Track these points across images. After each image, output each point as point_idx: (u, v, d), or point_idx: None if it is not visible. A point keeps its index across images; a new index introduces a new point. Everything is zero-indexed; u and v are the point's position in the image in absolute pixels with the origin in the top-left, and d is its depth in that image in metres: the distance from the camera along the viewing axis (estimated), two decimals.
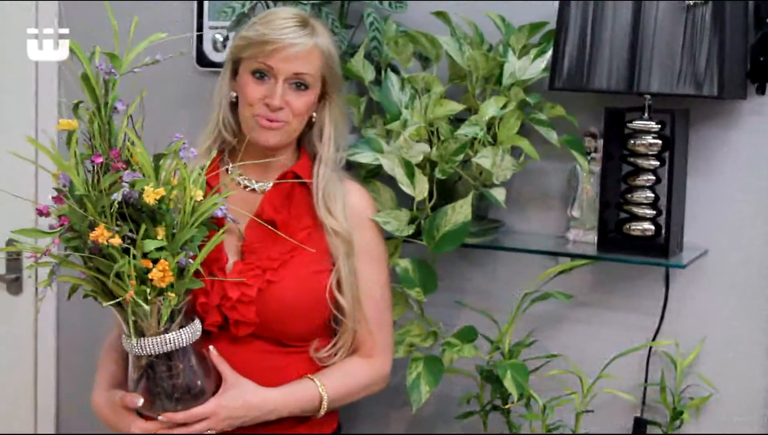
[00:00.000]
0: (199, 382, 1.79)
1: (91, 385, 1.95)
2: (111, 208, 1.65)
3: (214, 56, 2.43)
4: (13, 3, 2.58)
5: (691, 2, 1.89)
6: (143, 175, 1.69)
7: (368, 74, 2.10)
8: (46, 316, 2.65)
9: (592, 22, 1.95)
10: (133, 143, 1.70)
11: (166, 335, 1.73)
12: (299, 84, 1.88)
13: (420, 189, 2.02)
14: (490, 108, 2.01)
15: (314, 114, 1.94)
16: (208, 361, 1.83)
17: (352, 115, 2.14)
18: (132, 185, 1.66)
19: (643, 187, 2.01)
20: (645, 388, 2.13)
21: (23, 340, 2.69)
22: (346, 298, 1.91)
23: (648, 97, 1.97)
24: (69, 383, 2.70)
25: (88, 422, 2.46)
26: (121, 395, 1.83)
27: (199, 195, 1.71)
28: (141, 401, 1.79)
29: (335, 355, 1.94)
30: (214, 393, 1.82)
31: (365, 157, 2.04)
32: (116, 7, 1.82)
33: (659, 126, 1.99)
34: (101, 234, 1.64)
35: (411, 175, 2.01)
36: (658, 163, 2.00)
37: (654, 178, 2.01)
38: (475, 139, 2.01)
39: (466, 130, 2.00)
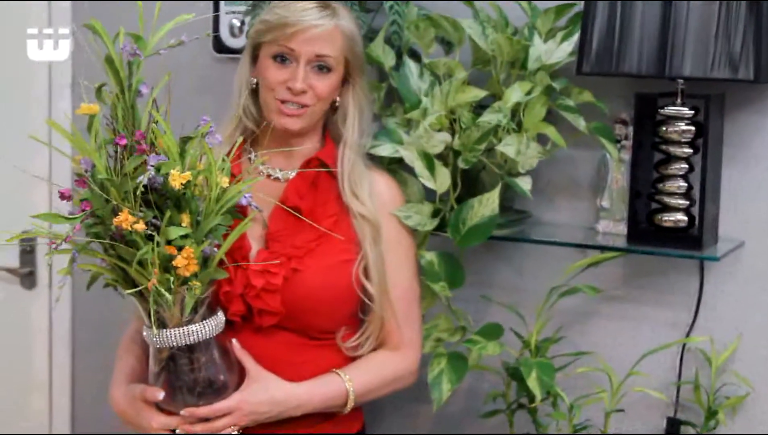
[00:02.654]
0: (221, 376, 1.80)
1: (108, 382, 1.96)
2: (136, 192, 1.66)
3: (231, 42, 2.44)
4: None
5: None
6: (168, 158, 1.70)
7: (388, 60, 2.10)
8: (61, 311, 2.67)
9: (622, 3, 1.93)
10: (156, 122, 1.70)
11: (189, 327, 1.74)
12: (321, 66, 1.90)
13: (441, 181, 2.01)
14: (515, 94, 2.00)
15: (338, 97, 1.95)
16: (231, 354, 1.84)
17: (373, 102, 2.14)
18: (158, 169, 1.67)
19: (675, 176, 1.99)
20: (678, 387, 2.11)
21: (38, 336, 2.71)
22: (374, 284, 1.92)
23: (681, 81, 1.95)
24: (85, 379, 2.72)
25: (104, 419, 2.49)
26: (141, 389, 1.84)
27: (225, 181, 1.72)
28: (162, 395, 1.79)
29: (363, 345, 1.95)
30: (237, 387, 1.83)
31: (385, 149, 2.03)
32: None
33: (693, 112, 1.97)
34: (125, 219, 1.64)
35: (431, 168, 2.00)
36: (692, 150, 1.98)
37: (687, 166, 1.99)
38: (498, 126, 2.00)
39: (488, 117, 1.98)
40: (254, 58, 1.96)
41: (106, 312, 2.55)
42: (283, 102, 1.89)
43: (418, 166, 2.01)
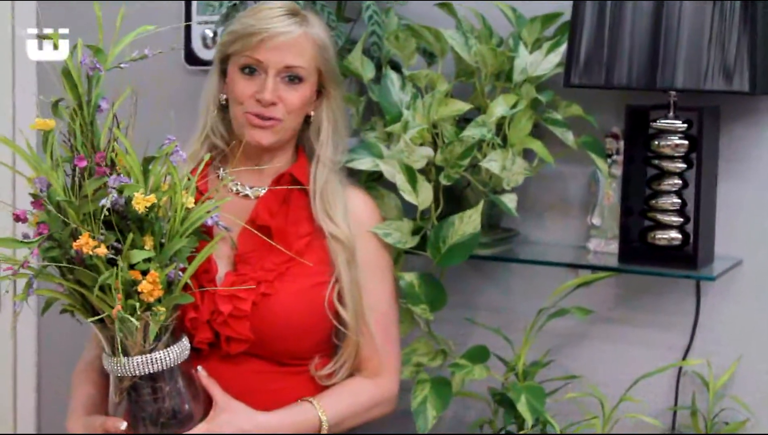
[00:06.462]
0: (186, 406, 1.79)
1: None
2: (99, 216, 1.64)
3: (204, 54, 2.43)
4: None
5: None
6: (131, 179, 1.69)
7: (367, 72, 2.10)
8: (26, 335, 2.66)
9: (611, 12, 1.94)
10: (117, 140, 1.68)
11: (152, 355, 1.73)
12: (292, 77, 1.88)
13: (423, 197, 2.01)
14: (499, 107, 2.00)
15: (312, 112, 1.94)
16: (197, 382, 1.83)
17: (351, 117, 2.14)
18: (120, 191, 1.65)
19: (668, 192, 1.99)
20: (674, 413, 2.11)
21: (1, 362, 2.69)
22: (348, 310, 1.90)
23: (673, 93, 1.96)
24: (50, 406, 2.71)
25: None
26: (102, 420, 1.82)
27: (190, 202, 1.71)
28: (125, 426, 1.78)
29: (337, 373, 1.94)
30: (203, 418, 1.82)
31: (364, 163, 2.03)
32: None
33: (686, 125, 1.97)
34: (86, 243, 1.63)
35: (413, 182, 2.00)
36: (686, 165, 1.98)
37: (681, 182, 1.99)
38: (482, 141, 2.00)
39: (471, 132, 1.98)
40: (223, 72, 1.94)
41: (73, 334, 2.52)
42: (253, 115, 1.88)
43: (400, 180, 2.00)
